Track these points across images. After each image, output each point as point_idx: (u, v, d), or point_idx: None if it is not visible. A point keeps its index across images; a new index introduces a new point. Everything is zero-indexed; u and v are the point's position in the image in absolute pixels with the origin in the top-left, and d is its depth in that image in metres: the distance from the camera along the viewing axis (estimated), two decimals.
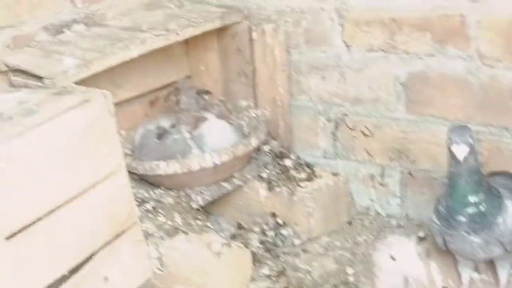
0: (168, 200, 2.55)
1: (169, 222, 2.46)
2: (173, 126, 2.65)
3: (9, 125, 1.83)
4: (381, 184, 2.80)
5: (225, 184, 2.68)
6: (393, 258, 1.78)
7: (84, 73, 2.32)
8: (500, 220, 2.13)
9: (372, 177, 2.81)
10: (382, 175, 2.79)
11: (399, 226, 2.73)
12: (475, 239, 2.14)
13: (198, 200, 2.60)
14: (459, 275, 2.32)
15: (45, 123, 1.84)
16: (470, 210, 2.14)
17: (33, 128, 1.82)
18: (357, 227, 2.77)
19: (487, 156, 2.50)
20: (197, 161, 2.56)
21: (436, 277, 2.34)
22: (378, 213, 2.82)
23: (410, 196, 2.74)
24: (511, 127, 2.46)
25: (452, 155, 2.12)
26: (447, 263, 2.35)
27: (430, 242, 2.40)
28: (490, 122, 2.49)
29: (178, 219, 2.49)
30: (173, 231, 2.43)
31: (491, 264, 2.30)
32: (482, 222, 2.13)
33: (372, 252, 1.84)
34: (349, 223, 2.79)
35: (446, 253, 2.33)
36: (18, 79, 2.37)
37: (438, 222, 2.21)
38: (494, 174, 2.37)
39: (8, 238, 1.75)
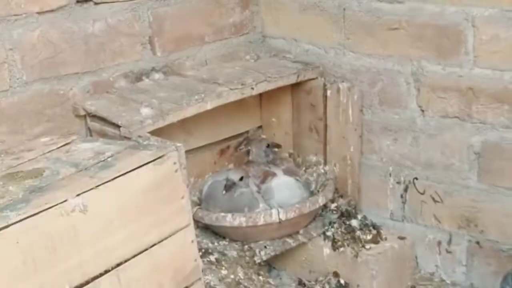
0: (232, 253, 2.56)
1: (231, 276, 2.47)
2: (241, 179, 2.67)
3: (85, 177, 1.88)
4: (448, 251, 2.75)
5: (289, 240, 2.68)
6: None
7: (160, 124, 2.37)
8: None
9: (439, 243, 2.77)
10: (450, 242, 2.74)
11: None
12: None
13: (262, 254, 2.60)
14: None
15: (120, 177, 1.88)
16: None
17: (107, 181, 1.86)
18: None
19: None
20: (263, 216, 2.57)
21: None
22: (442, 280, 2.77)
23: (476, 266, 2.69)
24: None
25: None
26: None
27: None
28: None
29: (240, 273, 2.49)
30: (235, 285, 2.44)
31: None
32: None
33: None
34: (413, 287, 2.75)
35: None
36: (95, 124, 2.44)
37: None
38: None
39: None
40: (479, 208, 2.63)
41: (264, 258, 2.62)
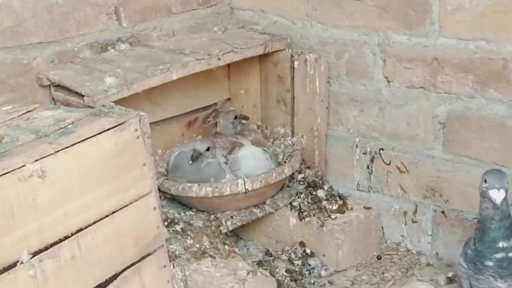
0: (198, 222, 2.57)
1: (197, 245, 2.48)
2: (208, 149, 2.67)
3: (44, 143, 1.87)
4: (413, 221, 2.78)
5: (256, 210, 2.69)
6: None
7: (124, 93, 2.36)
8: None
9: (405, 213, 2.79)
10: (415, 212, 2.77)
11: (428, 264, 2.71)
12: (502, 285, 2.12)
13: (228, 224, 2.61)
14: None
15: (80, 143, 1.87)
16: (499, 255, 2.12)
17: (67, 147, 1.85)
18: (386, 262, 2.75)
19: None
20: (229, 186, 2.58)
21: None
22: (408, 250, 2.79)
23: (441, 235, 2.72)
24: None
25: (489, 200, 2.11)
26: None
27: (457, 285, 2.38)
28: None
29: (206, 242, 2.50)
30: (200, 255, 2.45)
31: None
32: (509, 268, 2.11)
33: None
34: (378, 257, 2.77)
35: None
36: (59, 94, 2.42)
37: (465, 265, 2.19)
38: None
39: (34, 254, 1.78)
40: (444, 178, 2.66)
41: (231, 228, 2.63)
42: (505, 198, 2.11)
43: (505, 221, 2.12)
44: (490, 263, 2.12)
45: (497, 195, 2.07)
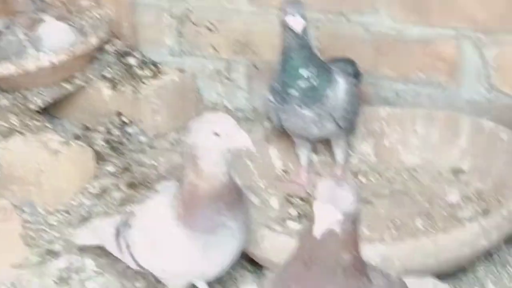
0: (3, 102, 2.48)
1: (5, 124, 2.39)
2: (7, 27, 2.54)
3: None
4: (228, 79, 2.79)
5: (65, 85, 2.61)
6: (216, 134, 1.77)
7: None
8: (330, 93, 2.17)
9: (218, 72, 2.80)
10: (228, 69, 2.78)
11: (246, 119, 2.74)
12: (307, 113, 2.17)
13: (37, 101, 2.53)
14: (298, 158, 2.36)
15: None
16: (302, 83, 2.16)
17: None
18: None
19: (326, 42, 2.52)
20: (32, 61, 2.48)
21: (276, 162, 2.37)
22: (226, 107, 2.81)
23: (256, 89, 2.75)
24: (348, 13, 2.50)
25: (289, 29, 2.13)
26: (286, 147, 2.38)
27: (269, 129, 2.41)
28: (328, 8, 2.52)
29: (14, 120, 2.42)
30: (8, 132, 2.36)
31: (329, 145, 2.35)
32: (313, 96, 2.16)
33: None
34: None
35: (285, 137, 2.36)
36: None
37: (272, 99, 2.22)
38: (333, 60, 2.39)
39: None
40: (251, 31, 2.67)
41: (41, 105, 2.55)
42: (305, 28, 2.13)
43: (306, 50, 2.15)
44: (294, 92, 2.16)
45: (295, 22, 2.09)
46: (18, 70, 2.47)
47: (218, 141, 1.70)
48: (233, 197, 1.78)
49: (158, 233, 1.78)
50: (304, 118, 2.19)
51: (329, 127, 2.22)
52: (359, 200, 1.35)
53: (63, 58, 2.51)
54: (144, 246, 1.82)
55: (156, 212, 1.81)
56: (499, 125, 2.24)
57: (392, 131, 2.40)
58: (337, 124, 2.21)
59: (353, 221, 1.34)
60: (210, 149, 1.71)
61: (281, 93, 2.19)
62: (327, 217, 1.32)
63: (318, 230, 1.31)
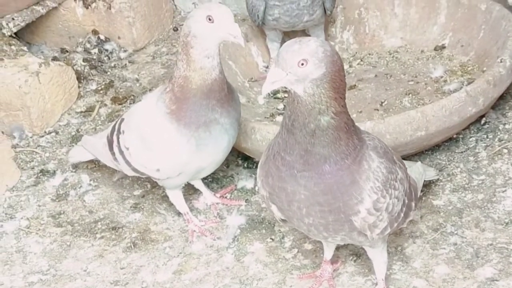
0: None
1: None
2: None
3: None
4: None
5: (37, 8, 2.56)
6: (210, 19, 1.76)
7: None
8: None
9: None
10: None
11: None
12: None
13: (10, 26, 2.48)
14: (269, 50, 2.35)
15: None
16: None
17: None
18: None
19: None
20: None
21: (258, 59, 2.36)
22: None
23: None
24: None
25: None
26: (264, 45, 2.37)
27: (247, 27, 2.39)
28: None
29: None
30: None
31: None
32: None
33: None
34: (175, 29, 2.75)
35: (261, 36, 2.35)
36: None
37: None
38: None
39: None
40: None
41: (14, 30, 2.50)
42: None
43: None
44: None
45: None
46: None
47: (210, 27, 1.69)
48: (224, 93, 1.78)
49: (150, 131, 1.78)
50: (299, 4, 2.16)
51: (318, 12, 2.20)
52: (330, 64, 1.36)
53: None
54: (138, 148, 1.81)
55: (147, 111, 1.81)
56: None
57: (371, 17, 2.39)
58: (324, 9, 2.20)
59: (317, 85, 1.37)
60: (202, 35, 1.69)
61: None
62: (271, 77, 1.37)
63: (263, 90, 1.38)
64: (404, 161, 1.63)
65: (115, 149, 1.88)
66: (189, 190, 2.02)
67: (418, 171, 1.74)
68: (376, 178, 1.44)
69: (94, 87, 2.50)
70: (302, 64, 1.36)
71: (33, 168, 2.21)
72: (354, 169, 1.42)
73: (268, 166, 1.49)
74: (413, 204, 1.58)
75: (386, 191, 1.46)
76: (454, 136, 2.01)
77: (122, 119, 1.88)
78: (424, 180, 1.78)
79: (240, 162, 2.11)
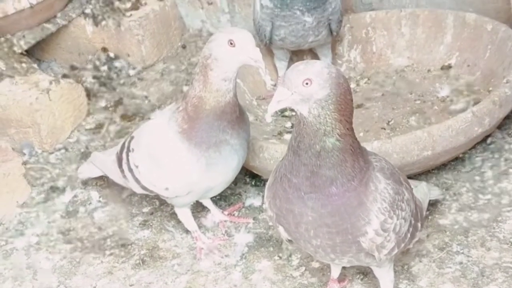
0: None
1: None
2: None
3: None
4: (209, 3, 2.78)
5: (48, 25, 2.60)
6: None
7: None
8: None
9: None
10: None
11: None
12: (308, 19, 2.17)
13: (21, 44, 2.52)
14: (276, 69, 2.38)
15: None
16: None
17: None
18: (191, 49, 2.76)
19: None
20: (12, 3, 2.46)
21: (266, 78, 2.38)
22: (210, 33, 2.80)
23: (238, 10, 2.74)
24: None
25: None
26: (272, 64, 2.40)
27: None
28: None
29: (1, 65, 2.41)
30: None
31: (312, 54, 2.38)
32: (316, 1, 2.16)
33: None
34: (183, 47, 2.78)
35: (270, 54, 2.38)
36: None
37: (271, 4, 2.20)
38: None
39: None
40: None
41: (25, 47, 2.54)
42: None
43: None
44: None
45: None
46: None
47: (232, 51, 1.72)
48: (236, 116, 1.80)
49: (161, 149, 1.80)
50: (305, 24, 2.19)
51: (323, 33, 2.22)
52: (335, 86, 1.39)
53: None
54: (147, 166, 1.84)
55: (158, 129, 1.83)
56: (483, 16, 2.25)
57: (378, 36, 2.42)
58: (330, 30, 2.23)
59: (322, 106, 1.39)
60: (223, 59, 1.72)
61: None
62: (277, 96, 1.40)
63: (268, 109, 1.41)
64: (410, 181, 1.65)
65: (124, 167, 1.90)
66: (197, 208, 2.04)
67: (423, 191, 1.75)
68: (383, 199, 1.46)
69: (103, 104, 2.53)
70: (307, 83, 1.38)
71: (43, 184, 2.24)
72: (361, 191, 1.44)
73: (276, 188, 1.51)
74: (419, 224, 1.60)
75: (393, 212, 1.48)
76: (461, 155, 2.02)
77: (132, 137, 1.91)
78: (429, 200, 1.80)
79: (248, 180, 2.13)
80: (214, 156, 1.78)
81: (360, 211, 1.44)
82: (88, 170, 2.12)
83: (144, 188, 1.88)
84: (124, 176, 1.91)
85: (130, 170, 1.88)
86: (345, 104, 1.41)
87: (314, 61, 1.43)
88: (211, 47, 1.73)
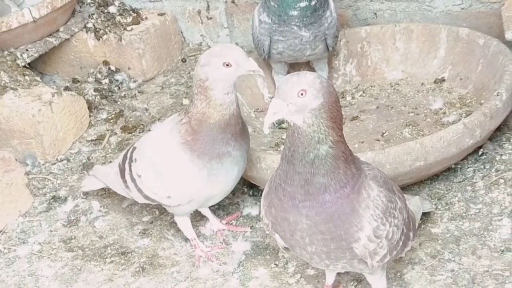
0: None
1: None
2: None
3: None
4: (209, 18, 2.84)
5: (50, 39, 2.66)
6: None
7: None
8: (328, 14, 2.24)
9: (199, 12, 2.84)
10: (208, 8, 2.82)
11: None
12: (305, 34, 2.22)
13: (24, 57, 2.57)
14: (274, 82, 2.43)
15: None
16: (302, 4, 2.20)
17: None
18: (191, 63, 2.81)
19: None
20: (15, 17, 2.52)
21: (264, 91, 2.43)
22: (209, 47, 2.86)
23: (236, 25, 2.80)
24: None
25: None
26: (270, 77, 2.45)
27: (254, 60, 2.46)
28: None
29: (4, 77, 2.46)
30: (1, 90, 2.42)
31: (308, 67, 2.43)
32: (312, 16, 2.21)
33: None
34: (183, 60, 2.84)
35: (268, 68, 2.43)
36: None
37: (268, 20, 2.25)
38: None
39: None
40: None
41: (28, 60, 2.59)
42: None
43: None
44: (294, 12, 2.20)
45: None
46: (2, 28, 2.50)
47: (229, 71, 1.77)
48: (239, 127, 1.85)
49: (164, 159, 1.85)
50: (302, 39, 2.24)
51: (320, 47, 2.28)
52: (327, 95, 1.44)
53: (45, 12, 2.55)
54: (150, 175, 1.88)
55: (161, 140, 1.88)
56: (475, 31, 2.30)
57: (373, 50, 2.47)
58: (327, 45, 2.28)
59: (316, 115, 1.44)
60: (221, 79, 1.78)
61: (279, 12, 2.22)
62: (273, 108, 1.45)
63: (265, 121, 1.46)
64: (404, 195, 1.69)
65: (127, 177, 1.95)
66: (196, 217, 2.09)
67: (417, 204, 1.80)
68: (376, 206, 1.51)
69: (104, 116, 2.58)
70: (302, 94, 1.43)
71: (45, 194, 2.29)
72: (353, 198, 1.49)
73: (271, 197, 1.55)
74: (411, 234, 1.64)
75: (386, 219, 1.53)
76: (452, 166, 2.07)
77: (134, 148, 1.95)
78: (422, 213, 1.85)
79: (245, 190, 2.18)
80: (216, 167, 1.83)
81: (353, 217, 1.49)
82: (91, 183, 2.17)
83: (146, 197, 1.93)
84: (127, 187, 1.96)
85: (133, 179, 1.92)
86: (336, 111, 1.46)
87: (305, 72, 1.48)
88: (206, 72, 1.78)
